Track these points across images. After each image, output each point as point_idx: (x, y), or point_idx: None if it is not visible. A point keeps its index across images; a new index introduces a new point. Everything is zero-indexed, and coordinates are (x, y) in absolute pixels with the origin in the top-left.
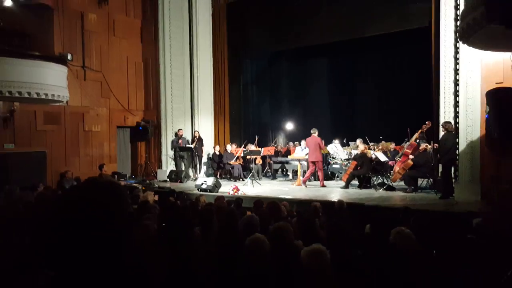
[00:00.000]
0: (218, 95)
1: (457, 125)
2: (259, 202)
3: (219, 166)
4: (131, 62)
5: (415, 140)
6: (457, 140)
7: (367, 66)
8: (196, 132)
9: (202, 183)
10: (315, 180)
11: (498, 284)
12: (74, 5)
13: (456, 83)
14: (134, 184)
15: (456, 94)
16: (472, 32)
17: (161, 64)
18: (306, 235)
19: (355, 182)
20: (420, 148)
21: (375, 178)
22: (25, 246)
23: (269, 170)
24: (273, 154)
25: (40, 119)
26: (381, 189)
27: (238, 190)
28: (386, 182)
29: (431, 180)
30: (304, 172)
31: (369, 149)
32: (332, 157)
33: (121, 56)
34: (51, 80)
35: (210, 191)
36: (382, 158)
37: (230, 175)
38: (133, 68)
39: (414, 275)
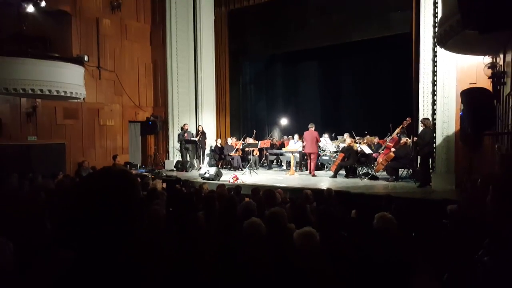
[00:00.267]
0: (220, 94)
1: (435, 121)
2: (256, 189)
3: (221, 157)
4: (141, 63)
5: (397, 135)
6: (434, 134)
7: (353, 68)
8: (200, 127)
9: (205, 172)
10: (307, 170)
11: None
12: (90, 11)
13: (434, 83)
14: (144, 173)
15: (433, 93)
16: (449, 37)
17: (169, 65)
18: (298, 219)
19: (343, 172)
20: (401, 141)
21: (360, 168)
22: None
23: (265, 161)
24: (269, 146)
25: (60, 114)
26: (366, 179)
27: (237, 179)
28: (370, 172)
29: (411, 170)
30: (297, 163)
31: (355, 142)
32: (322, 150)
33: (133, 58)
34: (70, 79)
35: (212, 180)
36: (367, 150)
37: (230, 165)
38: (143, 68)
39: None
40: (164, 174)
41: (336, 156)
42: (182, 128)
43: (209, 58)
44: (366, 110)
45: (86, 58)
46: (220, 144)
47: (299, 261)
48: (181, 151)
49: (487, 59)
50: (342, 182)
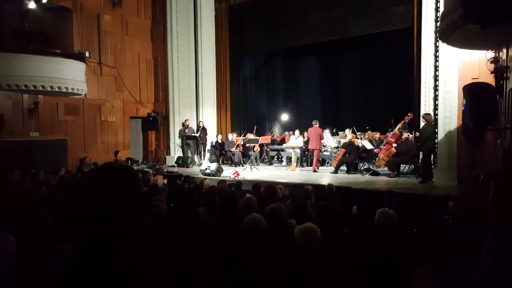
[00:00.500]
0: (220, 89)
1: (436, 116)
2: (257, 185)
3: (221, 153)
4: (142, 59)
5: (398, 130)
6: (436, 130)
7: (354, 63)
8: (201, 122)
9: (206, 168)
10: (307, 165)
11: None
12: (91, 7)
13: (436, 78)
14: (146, 169)
15: (435, 88)
16: (451, 32)
17: (169, 61)
18: (299, 215)
19: (344, 167)
20: (403, 137)
21: (361, 164)
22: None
23: (266, 156)
24: (269, 142)
25: (61, 110)
26: (367, 174)
27: (238, 174)
28: (372, 168)
29: (412, 166)
30: (298, 158)
31: (356, 138)
32: (323, 145)
33: (134, 54)
34: (71, 75)
35: (213, 175)
36: (368, 146)
37: (231, 161)
38: (144, 64)
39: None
40: (165, 170)
41: (337, 152)
42: (183, 124)
43: (210, 53)
44: (368, 105)
45: (87, 54)
46: (221, 140)
47: (299, 258)
48: (182, 147)
49: (490, 54)
50: (343, 178)
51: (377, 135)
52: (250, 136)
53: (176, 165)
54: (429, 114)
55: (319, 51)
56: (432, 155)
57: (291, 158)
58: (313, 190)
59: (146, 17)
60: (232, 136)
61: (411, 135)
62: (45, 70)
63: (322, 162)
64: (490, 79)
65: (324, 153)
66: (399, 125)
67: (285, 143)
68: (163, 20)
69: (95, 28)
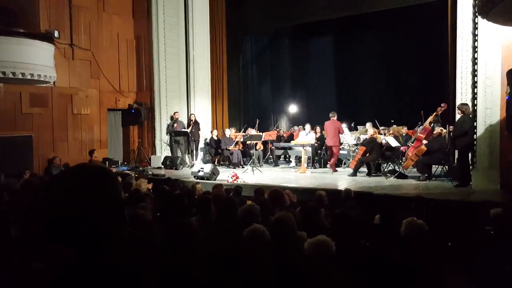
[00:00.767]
0: (216, 76)
1: (475, 107)
2: (260, 190)
3: (217, 152)
4: (122, 40)
5: (429, 124)
6: (474, 123)
7: (376, 43)
8: (192, 116)
9: (199, 170)
10: (320, 166)
11: None
12: None
13: (474, 61)
14: (126, 171)
15: (474, 73)
16: (492, 5)
17: (155, 42)
18: (310, 225)
19: (364, 169)
20: (435, 132)
21: (385, 165)
22: (11, 236)
23: (270, 156)
24: (275, 139)
25: (25, 101)
26: (392, 177)
27: (237, 177)
28: (398, 169)
29: (446, 167)
30: (309, 158)
31: (379, 133)
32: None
33: (112, 33)
34: (37, 59)
35: (207, 179)
36: (393, 143)
37: (228, 162)
38: (124, 46)
39: (427, 269)
40: (150, 173)
41: (356, 150)
42: (171, 118)
43: (203, 33)
44: (392, 94)
45: (56, 34)
46: (217, 136)
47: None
48: (170, 144)
49: None
50: (363, 181)
51: (403, 130)
52: (252, 131)
53: (163, 166)
54: (466, 104)
55: (333, 30)
56: (469, 154)
57: (300, 158)
58: (327, 196)
59: None
60: (230, 132)
61: (444, 130)
62: (6, 53)
63: (338, 162)
64: None
65: (341, 151)
66: (430, 118)
67: (293, 140)
68: None
69: (65, 3)
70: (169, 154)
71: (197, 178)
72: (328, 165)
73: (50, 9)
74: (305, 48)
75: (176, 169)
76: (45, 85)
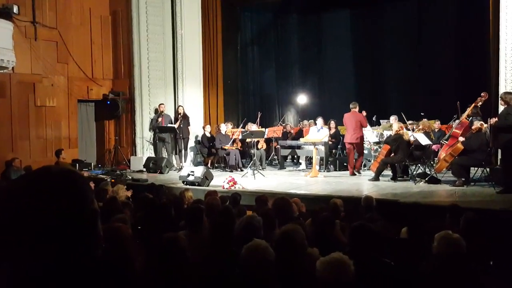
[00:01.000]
0: (209, 59)
1: None
2: (262, 198)
3: (211, 152)
4: (95, 16)
5: (467, 117)
6: None
7: (402, 19)
8: (180, 108)
9: (189, 174)
10: (335, 169)
11: None
12: None
13: None
14: (101, 176)
15: None
16: None
17: (135, 18)
18: (323, 241)
19: (388, 172)
20: (473, 127)
21: (413, 167)
22: None
23: (275, 157)
24: (280, 136)
25: None
26: (422, 182)
27: (235, 183)
28: (429, 173)
29: (488, 169)
30: (321, 159)
31: (406, 129)
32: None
33: (83, 9)
34: None
35: (198, 185)
36: (424, 141)
37: (224, 164)
38: (98, 24)
39: None
40: (130, 177)
41: (379, 150)
42: (155, 111)
43: (194, 7)
44: (422, 81)
45: (15, 9)
46: (210, 133)
47: None
48: (153, 143)
49: None
50: (387, 187)
51: (436, 124)
52: (252, 127)
53: (145, 170)
54: (511, 93)
55: (352, 2)
56: None
57: (311, 159)
58: (344, 205)
59: None
60: (226, 128)
61: (485, 125)
62: None
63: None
64: None
65: None
66: (468, 110)
67: (303, 137)
68: None
69: None
70: (153, 155)
71: (186, 184)
72: (353, 168)
73: None
74: (317, 26)
75: (161, 172)
76: (1, 71)
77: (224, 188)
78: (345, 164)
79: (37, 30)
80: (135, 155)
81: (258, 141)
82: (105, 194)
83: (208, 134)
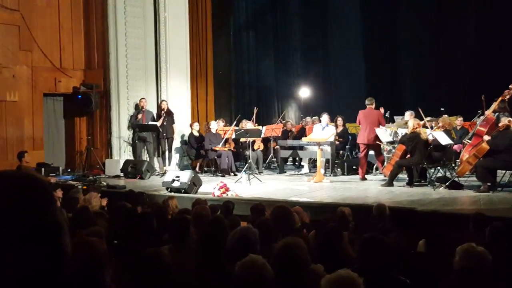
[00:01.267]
0: (197, 46)
1: None
2: (258, 207)
3: (199, 154)
4: None
5: (493, 113)
6: None
7: (420, 2)
8: (164, 103)
9: (174, 180)
10: (343, 173)
11: None
12: None
13: None
14: (71, 182)
15: None
16: None
17: None
18: (329, 255)
19: (403, 176)
20: (500, 124)
21: (432, 170)
22: None
23: (274, 159)
24: (280, 135)
25: None
26: (442, 187)
27: (227, 189)
28: (450, 177)
29: None
30: (327, 162)
31: (424, 126)
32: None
33: None
34: None
35: (185, 192)
36: (444, 140)
37: (215, 168)
38: (67, 5)
39: None
40: (105, 184)
41: (393, 151)
42: (135, 106)
43: None
44: (442, 72)
45: None
46: (199, 132)
47: None
48: (133, 144)
49: None
50: (402, 193)
51: (458, 121)
52: (248, 125)
53: (122, 174)
54: None
55: None
56: None
57: (315, 161)
58: (353, 214)
59: None
60: (217, 126)
61: None
62: None
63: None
64: None
65: (370, 152)
66: (494, 105)
67: (305, 136)
68: None
69: None
70: (132, 157)
71: (170, 191)
72: (364, 172)
73: None
74: (323, 6)
75: (142, 178)
76: None
77: (214, 195)
78: (354, 167)
79: None
80: (111, 158)
81: (254, 141)
82: (75, 203)
83: (196, 133)
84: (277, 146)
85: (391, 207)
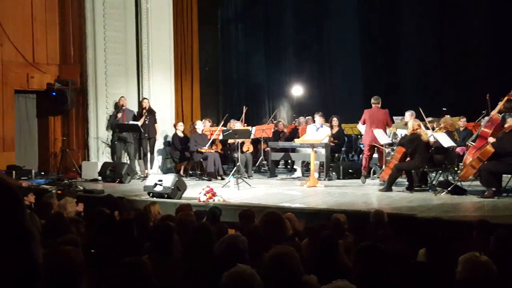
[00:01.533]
0: (182, 40)
1: None
2: (247, 213)
3: (184, 156)
4: None
5: (499, 114)
6: None
7: None
8: (145, 101)
9: (156, 184)
10: (338, 177)
11: None
12: None
13: None
14: (44, 186)
15: None
16: None
17: None
18: (323, 265)
19: (403, 180)
20: (506, 126)
21: (434, 174)
22: None
23: (264, 162)
24: (271, 136)
25: None
26: (444, 192)
27: (214, 194)
28: (452, 181)
29: None
30: (321, 165)
31: (425, 127)
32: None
33: None
34: None
35: (168, 197)
36: (446, 142)
37: (201, 171)
38: None
39: None
40: (81, 188)
41: (392, 153)
42: (115, 105)
43: None
44: (445, 70)
45: None
46: (183, 132)
47: None
48: (112, 145)
49: None
50: (402, 198)
51: (461, 122)
52: (236, 125)
53: (101, 178)
54: None
55: None
56: None
57: (308, 164)
58: (349, 221)
59: None
60: (203, 126)
61: None
62: None
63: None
64: None
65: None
66: (500, 105)
67: (298, 137)
68: None
69: None
70: (111, 160)
71: (152, 196)
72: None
73: None
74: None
75: (121, 182)
76: None
77: (200, 201)
78: (350, 171)
79: None
80: (88, 160)
81: (243, 143)
82: (49, 209)
83: (180, 134)
84: (268, 148)
85: (389, 214)
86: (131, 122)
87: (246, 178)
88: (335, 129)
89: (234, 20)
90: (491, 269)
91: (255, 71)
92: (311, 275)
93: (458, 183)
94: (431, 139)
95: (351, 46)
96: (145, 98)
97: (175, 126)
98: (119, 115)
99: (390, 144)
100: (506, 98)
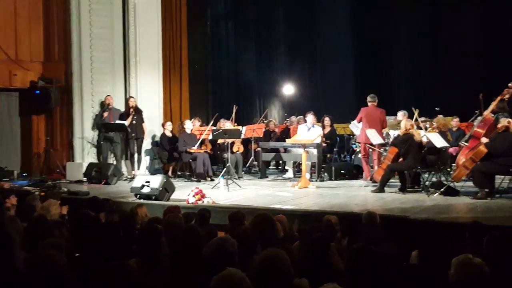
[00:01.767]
0: (170, 37)
1: None
2: (237, 215)
3: (172, 157)
4: None
5: (492, 113)
6: None
7: None
8: (132, 100)
9: (143, 186)
10: (330, 178)
11: None
12: None
13: None
14: (27, 187)
15: None
16: None
17: None
18: (314, 268)
19: (395, 181)
20: (499, 126)
21: (426, 175)
22: None
23: (255, 162)
24: (261, 136)
25: None
26: (437, 193)
27: (203, 196)
28: (445, 182)
29: None
30: (313, 166)
31: (418, 127)
32: (358, 142)
33: None
34: None
35: (156, 198)
36: (439, 142)
37: (190, 172)
38: None
39: None
40: (65, 189)
41: (384, 154)
42: (101, 104)
43: None
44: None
45: None
46: (172, 132)
47: None
48: (97, 145)
49: None
50: (394, 200)
51: (454, 122)
52: (226, 124)
53: (86, 179)
54: None
55: None
56: None
57: (300, 165)
58: (341, 223)
59: None
60: (192, 126)
61: None
62: None
63: (357, 172)
64: None
65: (359, 155)
66: (493, 105)
67: (289, 137)
68: None
69: None
70: (96, 160)
71: (140, 198)
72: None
73: None
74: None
75: (107, 183)
76: None
77: (189, 202)
78: (342, 171)
79: None
80: (73, 161)
81: (233, 143)
82: (32, 211)
83: (169, 134)
84: (259, 148)
85: (382, 215)
86: (118, 121)
87: (236, 179)
88: (327, 129)
89: (224, 18)
90: (484, 271)
91: (245, 69)
92: (302, 278)
93: (451, 184)
94: (424, 139)
95: (343, 45)
96: (132, 97)
97: (163, 125)
98: (105, 114)
99: (383, 145)
100: (499, 98)
